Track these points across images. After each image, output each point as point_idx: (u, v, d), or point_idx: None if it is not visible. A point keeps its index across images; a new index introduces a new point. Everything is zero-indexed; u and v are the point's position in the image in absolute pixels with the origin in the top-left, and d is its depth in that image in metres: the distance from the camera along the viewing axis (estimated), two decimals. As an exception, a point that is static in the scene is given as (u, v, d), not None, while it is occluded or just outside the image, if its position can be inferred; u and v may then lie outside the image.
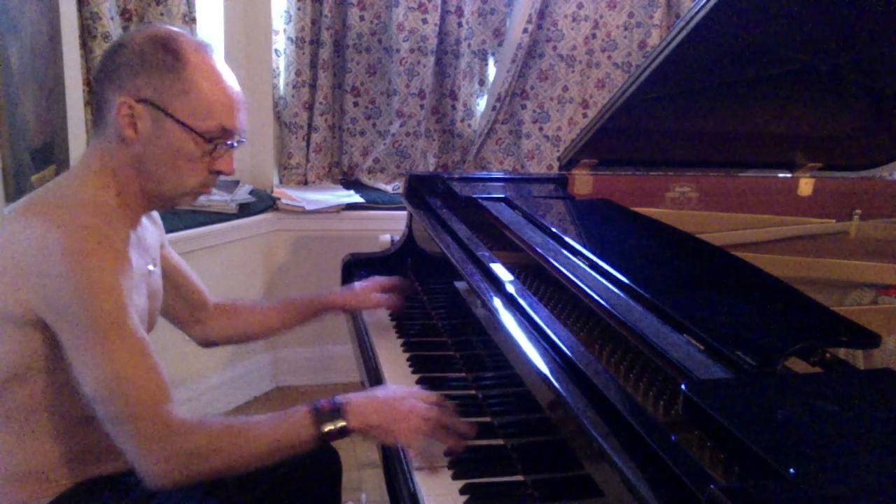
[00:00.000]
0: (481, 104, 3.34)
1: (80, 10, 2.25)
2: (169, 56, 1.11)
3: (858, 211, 2.04)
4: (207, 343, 1.57)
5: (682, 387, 0.85)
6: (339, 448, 1.55)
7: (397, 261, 2.08)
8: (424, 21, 3.08)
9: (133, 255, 1.15)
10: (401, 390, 1.22)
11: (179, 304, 1.49)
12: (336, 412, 1.13)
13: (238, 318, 1.57)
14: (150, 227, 1.33)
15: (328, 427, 1.12)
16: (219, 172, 1.20)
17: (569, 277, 1.28)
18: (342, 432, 1.13)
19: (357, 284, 1.71)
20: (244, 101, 1.21)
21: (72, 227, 1.06)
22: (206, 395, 2.74)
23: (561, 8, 3.19)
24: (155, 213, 1.39)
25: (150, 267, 1.28)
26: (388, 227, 2.54)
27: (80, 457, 1.21)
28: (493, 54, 3.29)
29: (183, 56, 1.12)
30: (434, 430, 1.16)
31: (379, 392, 1.21)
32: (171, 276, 1.44)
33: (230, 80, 1.18)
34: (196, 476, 1.08)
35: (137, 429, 1.04)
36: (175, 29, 1.17)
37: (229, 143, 1.18)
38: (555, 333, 1.12)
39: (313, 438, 1.12)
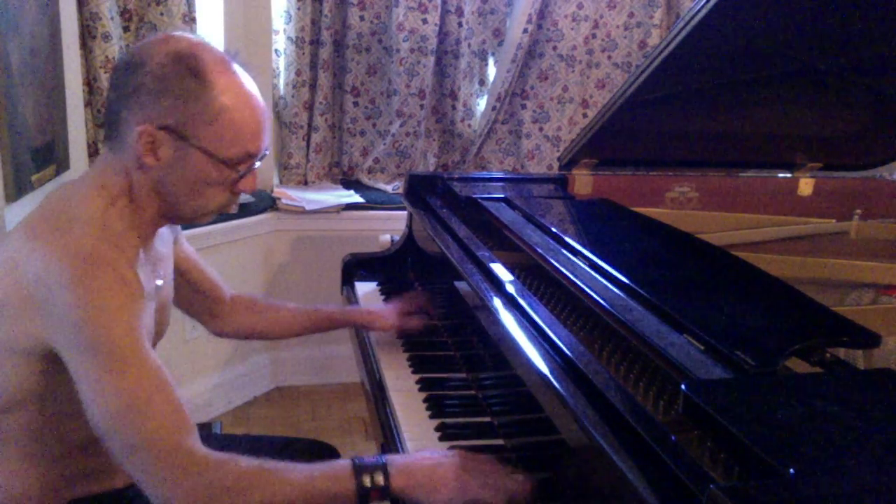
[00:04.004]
0: (481, 104, 3.34)
1: (80, 10, 2.25)
2: (193, 80, 1.04)
3: (858, 211, 2.03)
4: (220, 335, 1.56)
5: (682, 387, 0.85)
6: (340, 448, 1.56)
7: (397, 261, 2.08)
8: (424, 21, 3.08)
9: (141, 274, 1.10)
10: (446, 454, 1.13)
11: (196, 298, 1.47)
12: (379, 468, 1.05)
13: (259, 315, 1.56)
14: (163, 230, 1.26)
15: (368, 481, 1.03)
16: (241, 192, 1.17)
17: (569, 277, 1.28)
18: (383, 492, 1.04)
19: (377, 309, 1.68)
20: (268, 115, 1.15)
21: (77, 254, 1.01)
22: (207, 395, 2.75)
23: (561, 8, 3.19)
24: None
25: (158, 283, 1.24)
26: (388, 227, 2.54)
27: (75, 477, 1.19)
28: (493, 54, 3.29)
29: (207, 78, 1.05)
30: None
31: (425, 453, 1.14)
32: (187, 273, 1.42)
33: (255, 99, 1.11)
34: None
35: (156, 460, 0.98)
36: (195, 40, 1.09)
37: (253, 165, 1.14)
38: (555, 333, 1.12)
39: (351, 493, 1.03)
